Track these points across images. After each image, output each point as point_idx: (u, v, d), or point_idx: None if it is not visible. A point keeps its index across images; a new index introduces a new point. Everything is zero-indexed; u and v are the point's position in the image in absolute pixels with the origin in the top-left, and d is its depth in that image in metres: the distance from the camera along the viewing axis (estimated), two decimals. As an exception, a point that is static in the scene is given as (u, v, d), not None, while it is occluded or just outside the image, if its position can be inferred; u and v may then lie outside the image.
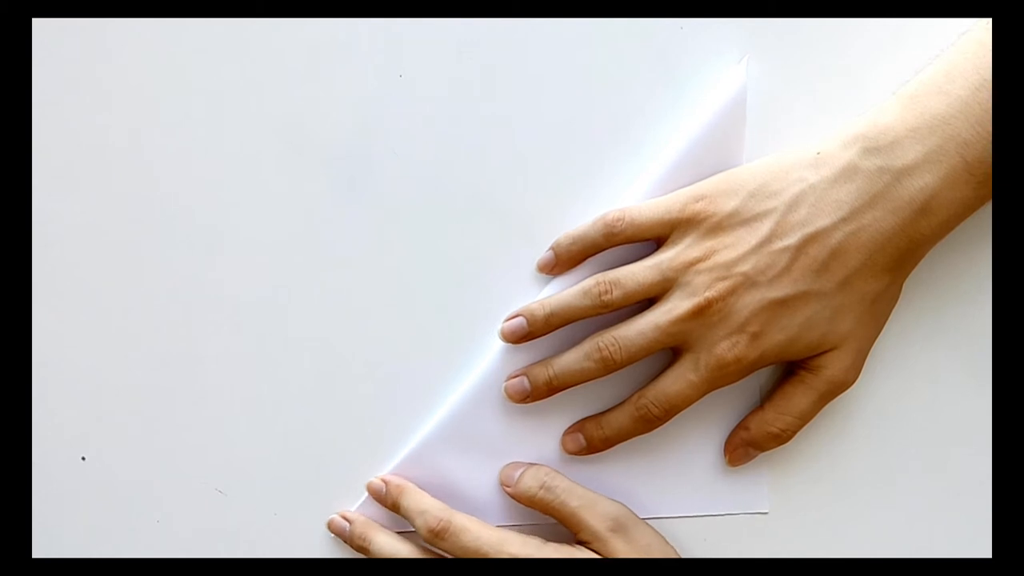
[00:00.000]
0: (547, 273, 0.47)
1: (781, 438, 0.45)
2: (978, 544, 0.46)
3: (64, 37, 0.47)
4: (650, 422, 0.45)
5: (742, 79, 0.46)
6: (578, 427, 0.46)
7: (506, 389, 0.46)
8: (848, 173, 0.42)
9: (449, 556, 0.45)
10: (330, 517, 0.47)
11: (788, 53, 0.47)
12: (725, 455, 0.47)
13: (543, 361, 0.46)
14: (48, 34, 0.47)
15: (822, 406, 0.45)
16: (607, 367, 0.44)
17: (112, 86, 0.48)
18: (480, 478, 0.47)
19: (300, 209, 0.47)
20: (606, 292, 0.44)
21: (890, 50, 0.46)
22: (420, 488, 0.46)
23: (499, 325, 0.46)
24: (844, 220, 0.42)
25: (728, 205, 0.43)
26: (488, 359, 0.47)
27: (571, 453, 0.47)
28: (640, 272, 0.44)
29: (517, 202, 0.47)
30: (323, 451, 0.47)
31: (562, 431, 0.47)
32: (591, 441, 0.46)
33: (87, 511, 0.48)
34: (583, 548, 0.44)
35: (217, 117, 0.48)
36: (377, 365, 0.47)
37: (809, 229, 0.42)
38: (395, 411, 0.47)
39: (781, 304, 0.43)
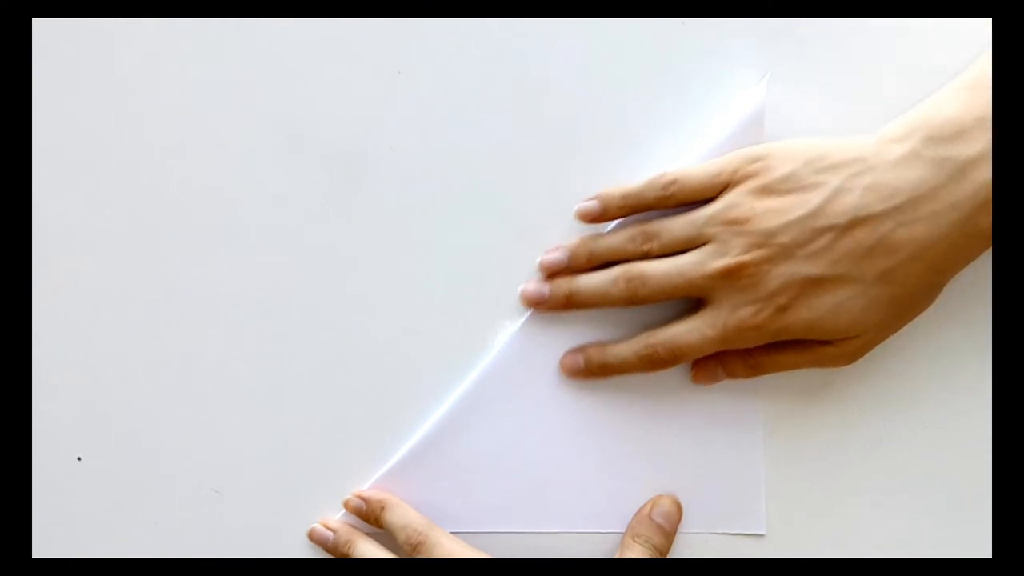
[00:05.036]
0: (587, 222, 0.46)
1: (755, 371, 0.45)
2: (978, 544, 0.46)
3: (64, 37, 0.47)
4: (654, 364, 0.44)
5: (761, 98, 0.46)
6: (580, 349, 0.46)
7: (522, 293, 0.46)
8: (909, 160, 0.40)
9: None
10: (311, 526, 0.47)
11: (803, 66, 0.47)
12: (692, 370, 0.46)
13: (568, 277, 0.45)
14: (48, 34, 0.47)
15: (803, 368, 0.45)
16: (629, 299, 0.44)
17: (112, 86, 0.48)
18: (474, 483, 0.46)
19: (300, 209, 0.47)
20: (646, 242, 0.44)
21: (896, 53, 0.46)
22: (412, 492, 0.46)
23: (498, 325, 0.47)
24: (898, 209, 0.40)
25: (782, 169, 0.42)
26: (487, 361, 0.46)
27: (568, 374, 0.46)
28: (677, 227, 0.44)
29: (516, 200, 0.47)
30: (321, 451, 0.47)
31: (561, 435, 0.46)
32: (589, 365, 0.45)
33: (84, 513, 0.47)
34: None
35: (216, 116, 0.48)
36: (376, 365, 0.47)
37: (860, 212, 0.41)
38: (394, 411, 0.47)
39: (814, 283, 0.41)
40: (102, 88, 0.48)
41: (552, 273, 0.46)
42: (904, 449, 0.47)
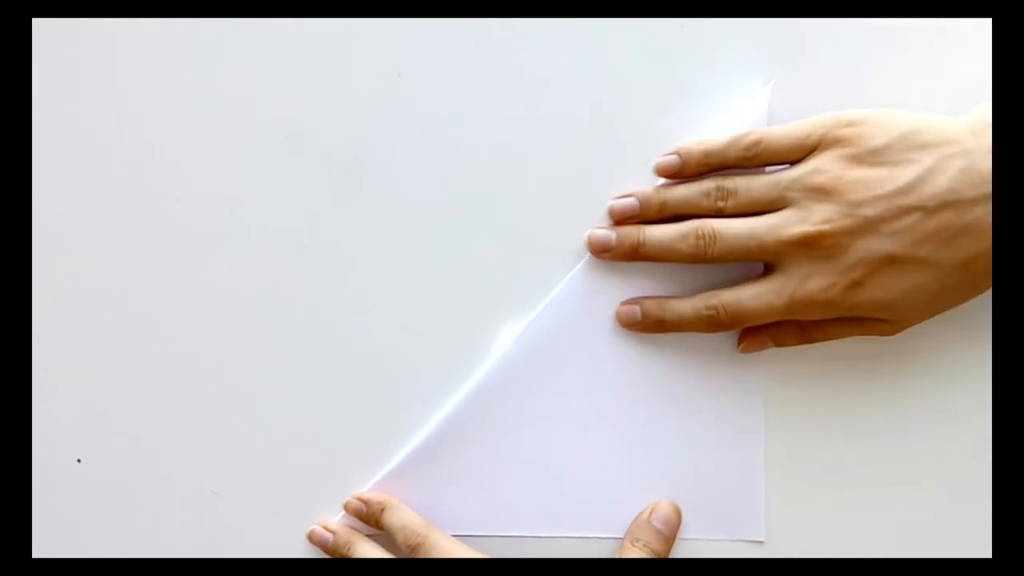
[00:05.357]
0: (666, 177, 0.45)
1: (804, 341, 0.44)
2: (978, 544, 0.46)
3: (64, 37, 0.47)
4: (713, 325, 0.44)
5: (764, 103, 0.45)
6: (637, 301, 0.45)
7: (589, 237, 0.45)
8: None
9: None
10: (311, 528, 0.47)
11: (802, 68, 0.46)
12: (741, 341, 0.45)
13: (636, 226, 0.45)
14: (48, 34, 0.47)
15: (851, 337, 0.44)
16: (697, 256, 0.43)
17: (112, 86, 0.48)
18: (474, 486, 0.46)
19: (299, 210, 0.47)
20: (721, 199, 0.43)
21: (896, 54, 0.46)
22: (412, 494, 0.46)
23: (505, 323, 0.47)
24: (989, 196, 0.39)
25: (876, 139, 0.41)
26: (487, 364, 0.46)
27: (624, 325, 0.45)
28: (756, 187, 0.43)
29: (516, 200, 0.47)
30: (320, 453, 0.47)
31: (561, 440, 0.46)
32: (646, 319, 0.45)
33: (84, 513, 0.47)
34: None
35: (216, 116, 0.48)
36: (376, 366, 0.47)
37: (951, 196, 0.39)
38: (394, 413, 0.47)
39: (893, 261, 0.40)
40: (102, 88, 0.48)
41: (621, 219, 0.45)
42: (904, 450, 0.47)
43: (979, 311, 0.46)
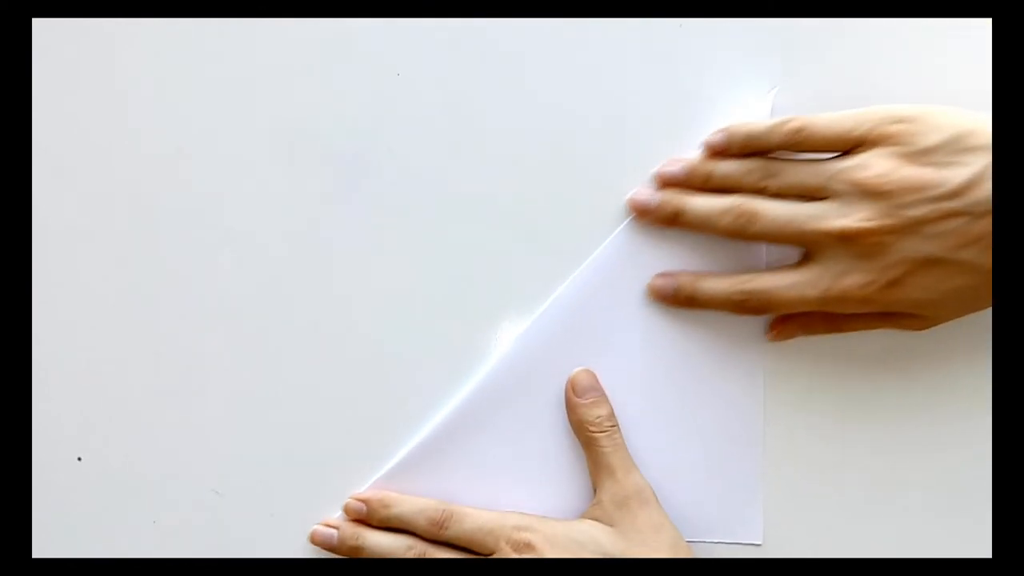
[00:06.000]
0: (710, 157, 0.44)
1: (833, 330, 0.44)
2: (978, 544, 0.46)
3: (64, 37, 0.48)
4: (744, 310, 0.43)
5: (768, 111, 0.45)
6: (673, 275, 0.45)
7: (631, 198, 0.45)
8: None
9: (453, 542, 0.44)
10: (312, 528, 0.46)
11: (803, 68, 0.46)
12: (771, 329, 0.45)
13: (680, 193, 0.44)
14: (48, 34, 0.47)
15: (880, 329, 0.44)
16: (735, 233, 0.43)
17: (112, 86, 0.48)
18: (473, 484, 0.46)
19: (299, 210, 0.47)
20: (764, 179, 0.43)
21: (895, 54, 0.46)
22: (411, 493, 0.46)
23: (503, 322, 0.47)
24: None
25: (928, 139, 0.40)
26: (490, 362, 0.46)
27: (656, 297, 0.45)
28: (801, 172, 0.42)
29: (515, 201, 0.47)
30: (320, 452, 0.47)
31: (563, 440, 0.46)
32: (678, 293, 0.45)
33: (84, 513, 0.47)
34: (587, 521, 0.44)
35: (216, 117, 0.48)
36: (377, 366, 0.47)
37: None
38: (395, 412, 0.47)
39: (934, 263, 0.40)
40: (102, 88, 0.48)
41: (666, 184, 0.45)
42: (904, 450, 0.47)
43: (979, 312, 0.46)
